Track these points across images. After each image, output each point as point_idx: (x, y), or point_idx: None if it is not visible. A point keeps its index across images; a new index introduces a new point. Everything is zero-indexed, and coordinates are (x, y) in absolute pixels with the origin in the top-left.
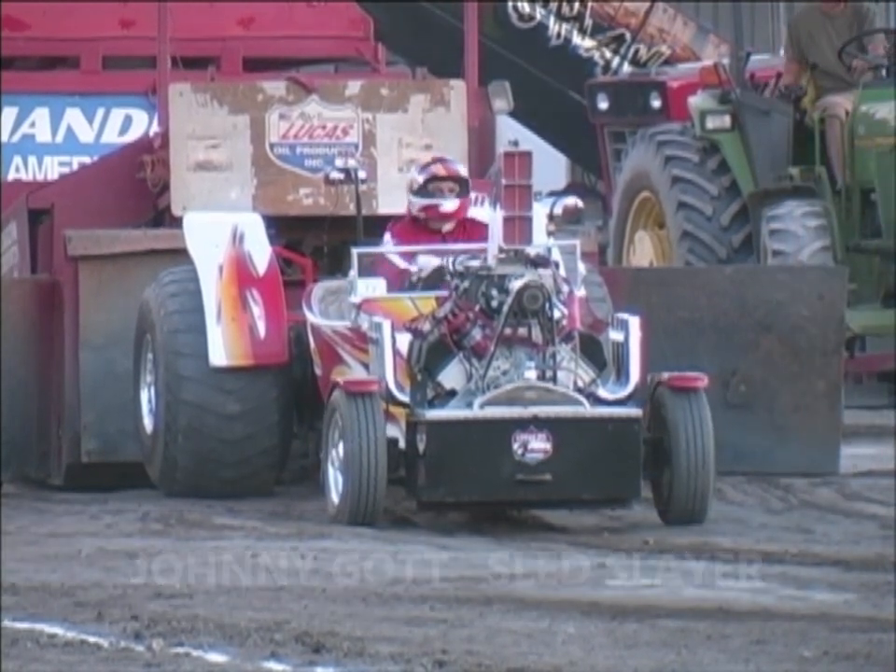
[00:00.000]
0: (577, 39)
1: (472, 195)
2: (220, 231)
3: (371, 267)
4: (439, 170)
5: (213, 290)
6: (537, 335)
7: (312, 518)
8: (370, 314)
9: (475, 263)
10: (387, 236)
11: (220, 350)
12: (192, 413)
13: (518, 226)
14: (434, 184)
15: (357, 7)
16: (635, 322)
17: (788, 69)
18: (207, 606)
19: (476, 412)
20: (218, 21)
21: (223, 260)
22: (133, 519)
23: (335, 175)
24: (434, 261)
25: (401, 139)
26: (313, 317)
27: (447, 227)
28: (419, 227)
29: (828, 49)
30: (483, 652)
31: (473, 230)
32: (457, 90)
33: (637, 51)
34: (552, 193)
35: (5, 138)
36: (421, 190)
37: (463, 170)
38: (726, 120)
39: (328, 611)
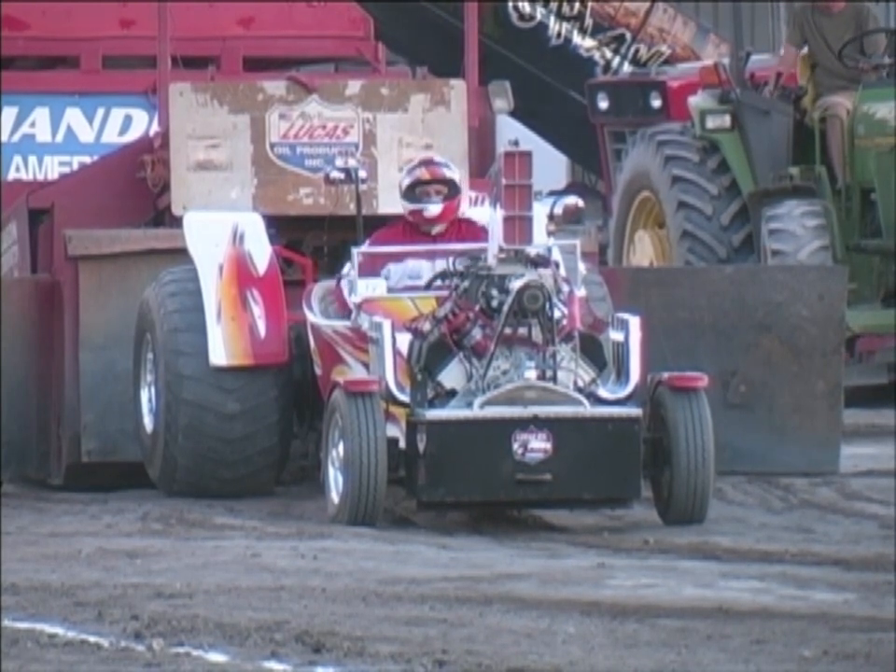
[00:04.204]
0: (577, 39)
1: (472, 195)
2: (220, 230)
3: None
4: (423, 174)
5: (213, 290)
6: (537, 335)
7: (312, 518)
8: (370, 313)
9: (475, 263)
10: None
11: (220, 349)
12: (192, 413)
13: (518, 226)
14: (420, 188)
15: (357, 6)
16: (635, 322)
17: (785, 55)
18: (207, 606)
19: (476, 411)
20: (218, 20)
21: (223, 260)
22: (133, 519)
23: (335, 174)
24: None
25: (402, 139)
26: (313, 317)
27: (437, 229)
28: (410, 229)
29: (825, 48)
30: (484, 652)
31: (468, 230)
32: (457, 89)
33: (637, 51)
34: (552, 193)
35: (5, 138)
36: (407, 194)
37: (450, 171)
38: (726, 120)
39: (328, 611)
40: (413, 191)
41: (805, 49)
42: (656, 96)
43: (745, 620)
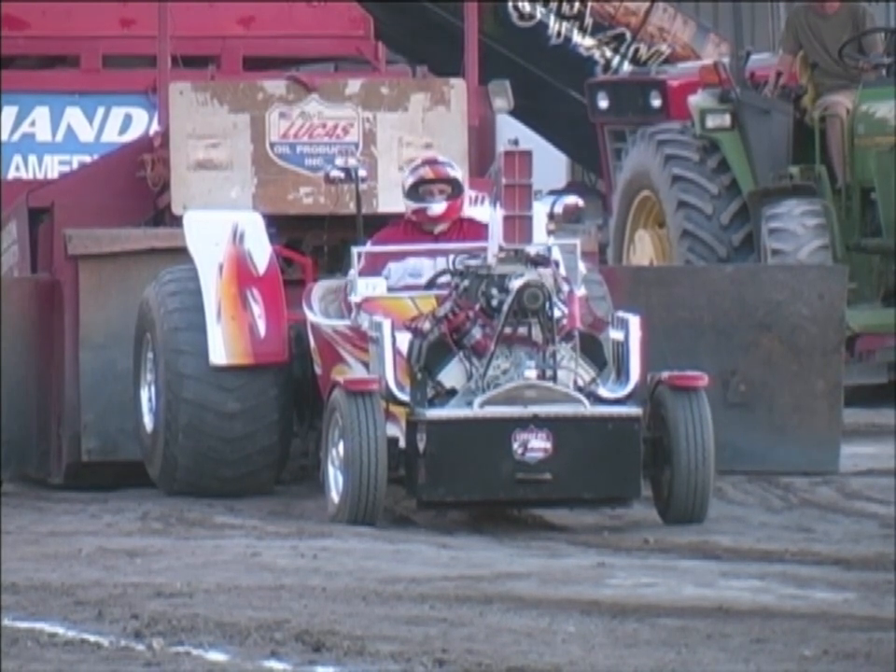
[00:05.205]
0: (577, 38)
1: (472, 194)
2: (220, 229)
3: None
4: (427, 173)
5: (213, 289)
6: (537, 334)
7: (312, 517)
8: (370, 313)
9: (475, 262)
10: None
11: (220, 348)
12: (192, 412)
13: (518, 225)
14: (424, 187)
15: (357, 6)
16: (635, 321)
17: (782, 61)
18: (207, 605)
19: (476, 411)
20: (219, 19)
21: (223, 259)
22: (133, 518)
23: (335, 173)
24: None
25: (401, 138)
26: (313, 316)
27: (439, 228)
28: (412, 228)
29: (823, 49)
30: (484, 651)
31: (470, 229)
32: (457, 88)
33: (637, 50)
34: (552, 192)
35: (5, 137)
36: (411, 193)
37: (453, 171)
38: (726, 119)
39: (328, 610)
40: (417, 190)
41: (801, 53)
42: (656, 95)
43: (745, 619)
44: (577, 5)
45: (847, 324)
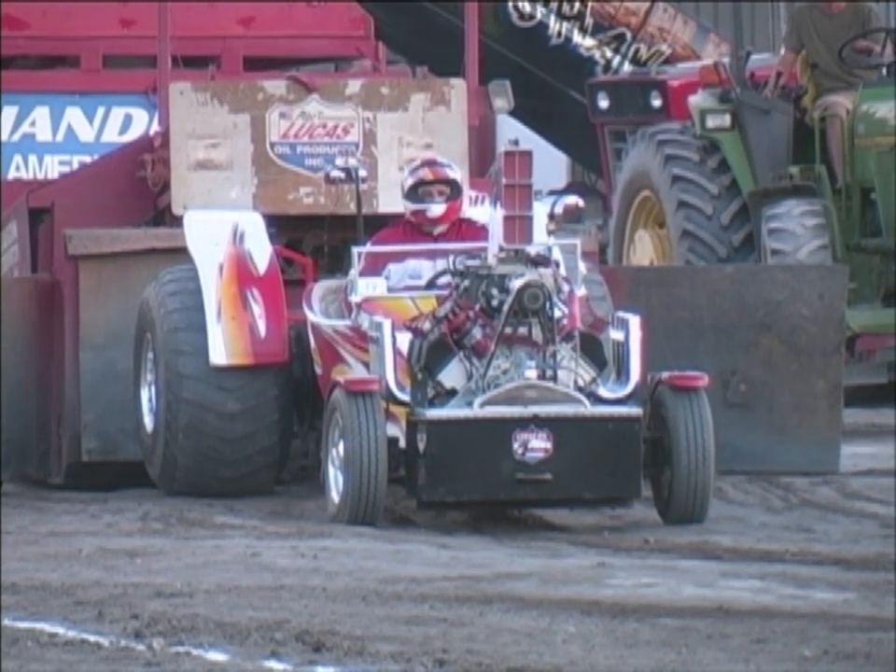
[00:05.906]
0: (577, 38)
1: (472, 194)
2: (221, 229)
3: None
4: (426, 174)
5: (213, 289)
6: (537, 334)
7: (312, 517)
8: (370, 313)
9: (475, 262)
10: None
11: (220, 349)
12: (192, 412)
13: (518, 225)
14: (423, 188)
15: (357, 6)
16: (635, 321)
17: (783, 59)
18: (207, 605)
19: (476, 411)
20: (219, 19)
21: (223, 259)
22: (133, 518)
23: (336, 173)
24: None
25: (402, 138)
26: (313, 316)
27: (438, 229)
28: (411, 229)
29: (827, 48)
30: (484, 651)
31: (468, 230)
32: (458, 89)
33: (637, 50)
34: (552, 192)
35: (5, 137)
36: (410, 194)
37: (453, 172)
38: (726, 119)
39: (328, 610)
40: (416, 192)
41: (804, 53)
42: (656, 95)
43: (745, 619)
44: (577, 5)
45: (847, 324)
